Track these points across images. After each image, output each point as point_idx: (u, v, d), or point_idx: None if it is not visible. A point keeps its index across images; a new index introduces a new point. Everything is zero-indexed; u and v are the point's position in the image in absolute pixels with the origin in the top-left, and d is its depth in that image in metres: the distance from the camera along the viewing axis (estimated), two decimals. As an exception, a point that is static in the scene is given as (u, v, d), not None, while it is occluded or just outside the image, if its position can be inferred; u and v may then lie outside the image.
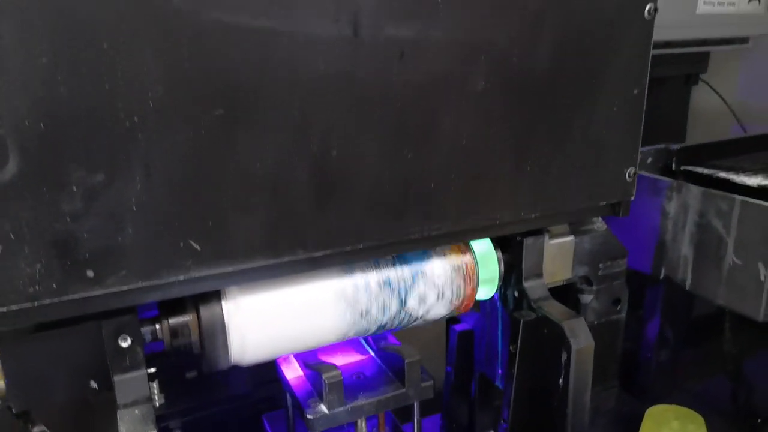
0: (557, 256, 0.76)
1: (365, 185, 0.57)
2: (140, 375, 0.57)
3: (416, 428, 0.73)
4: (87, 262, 0.48)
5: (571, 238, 0.76)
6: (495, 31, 0.58)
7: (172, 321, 0.61)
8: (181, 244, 0.51)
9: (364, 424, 0.72)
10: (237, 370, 0.96)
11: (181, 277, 0.52)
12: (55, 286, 0.47)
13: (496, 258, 0.74)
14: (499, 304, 0.79)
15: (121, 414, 0.55)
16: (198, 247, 0.51)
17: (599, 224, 0.79)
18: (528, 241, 0.73)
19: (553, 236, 0.76)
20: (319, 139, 0.54)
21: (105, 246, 0.48)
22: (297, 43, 0.51)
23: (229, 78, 0.49)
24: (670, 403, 0.97)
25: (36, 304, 0.47)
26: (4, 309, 0.46)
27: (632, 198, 0.72)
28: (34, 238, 0.46)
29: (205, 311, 0.60)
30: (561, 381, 0.69)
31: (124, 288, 0.50)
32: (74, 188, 0.46)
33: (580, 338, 0.68)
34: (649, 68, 0.68)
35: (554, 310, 0.71)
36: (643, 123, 0.70)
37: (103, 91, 0.45)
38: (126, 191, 0.48)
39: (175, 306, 0.61)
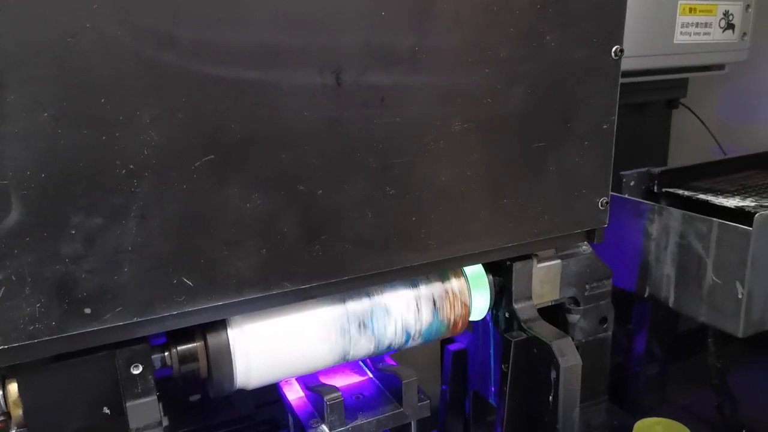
0: (545, 278, 0.80)
1: (350, 221, 0.60)
2: (151, 401, 0.60)
3: (414, 446, 0.76)
4: (85, 301, 0.51)
5: (558, 261, 0.80)
6: (470, 77, 0.63)
7: (181, 348, 0.64)
8: (175, 281, 0.54)
9: (363, 443, 0.75)
10: (239, 392, 0.98)
11: (175, 312, 0.55)
12: (54, 324, 0.50)
13: (487, 282, 0.77)
14: (491, 324, 0.82)
15: (134, 439, 0.57)
16: (191, 284, 0.54)
17: (585, 247, 0.82)
18: (517, 266, 0.76)
19: (541, 260, 0.79)
20: (306, 180, 0.57)
21: (102, 285, 0.51)
22: (283, 93, 0.54)
23: (220, 126, 0.52)
24: (659, 415, 1.01)
25: (36, 341, 0.50)
26: (6, 346, 0.49)
27: (605, 225, 0.76)
28: (35, 280, 0.49)
29: (212, 339, 0.63)
30: (551, 398, 0.73)
31: (120, 323, 0.53)
32: (73, 232, 0.49)
33: (568, 357, 0.72)
34: (617, 105, 0.72)
35: (543, 330, 0.75)
36: (613, 155, 0.74)
37: (100, 142, 0.49)
38: (122, 234, 0.51)
39: (183, 334, 0.64)
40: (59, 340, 0.51)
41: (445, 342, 0.93)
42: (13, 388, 0.58)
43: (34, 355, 0.51)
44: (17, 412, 0.58)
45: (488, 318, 0.82)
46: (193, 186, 0.53)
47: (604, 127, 0.72)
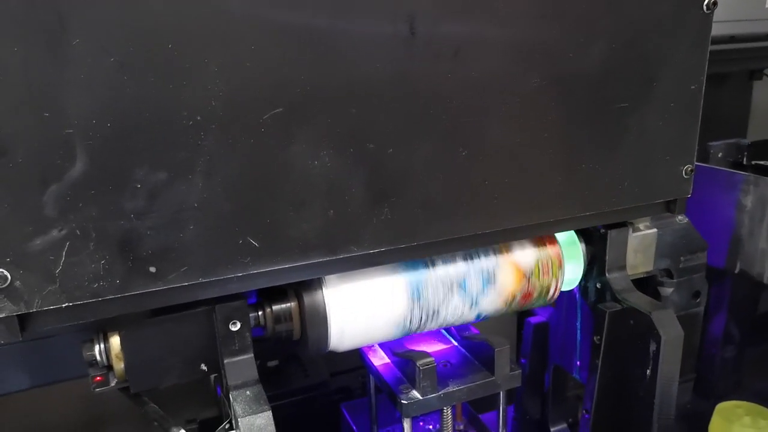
0: (640, 248, 0.76)
1: (420, 183, 0.57)
2: (249, 358, 0.59)
3: (501, 417, 0.74)
4: (149, 259, 0.49)
5: (653, 231, 0.77)
6: (550, 30, 0.59)
7: (276, 308, 0.63)
8: (240, 241, 0.52)
9: (450, 412, 0.73)
10: (312, 360, 0.98)
11: (240, 273, 0.53)
12: (118, 282, 0.48)
13: (580, 251, 0.74)
14: (578, 296, 0.79)
15: (234, 395, 0.57)
16: (256, 244, 0.52)
17: (681, 218, 0.79)
18: (612, 234, 0.73)
19: (636, 229, 0.76)
20: (375, 138, 0.54)
21: (167, 243, 0.49)
22: (353, 42, 0.51)
23: (287, 77, 0.50)
24: (737, 399, 0.97)
25: (100, 299, 0.48)
26: (70, 304, 0.47)
27: (689, 195, 0.71)
28: (99, 236, 0.47)
29: (308, 298, 0.62)
30: (648, 371, 0.70)
31: (185, 284, 0.51)
32: (138, 186, 0.47)
33: (669, 329, 0.68)
34: (707, 63, 0.67)
35: (641, 301, 0.71)
36: (700, 119, 0.69)
37: (167, 91, 0.46)
38: (187, 190, 0.49)
39: (276, 294, 0.64)
40: (123, 299, 0.49)
41: (525, 314, 0.90)
42: (115, 341, 0.58)
43: (98, 314, 0.49)
44: (119, 366, 0.58)
45: (575, 289, 0.80)
46: (260, 141, 0.50)
47: (692, 87, 0.67)
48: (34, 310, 0.46)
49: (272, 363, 0.90)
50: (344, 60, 0.52)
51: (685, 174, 0.70)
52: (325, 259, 0.56)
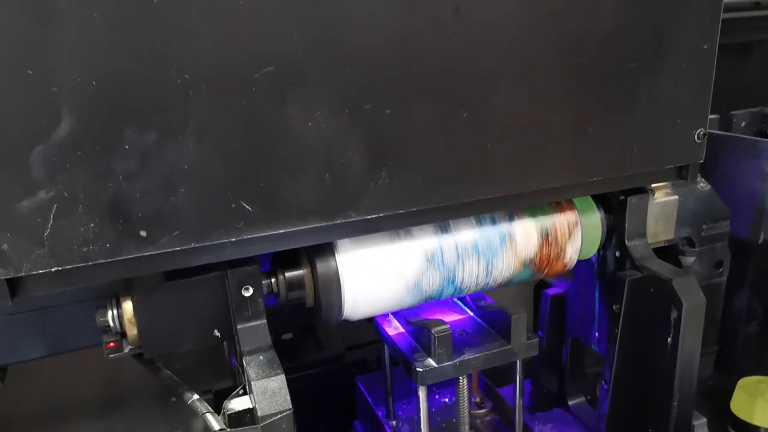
0: (660, 215, 0.75)
1: (419, 147, 0.55)
2: (261, 324, 0.59)
3: (518, 388, 0.73)
4: (140, 222, 0.48)
5: (675, 197, 0.75)
6: None
7: (288, 274, 0.62)
8: (233, 205, 0.51)
9: (465, 383, 0.72)
10: (327, 333, 0.98)
11: (234, 239, 0.51)
12: (109, 246, 0.47)
13: (598, 218, 0.73)
14: (596, 265, 0.78)
15: (247, 360, 0.56)
16: (250, 209, 0.51)
17: (703, 184, 0.77)
18: (632, 200, 0.71)
19: (657, 195, 0.74)
20: (372, 99, 0.52)
21: (158, 206, 0.48)
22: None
23: (279, 34, 0.48)
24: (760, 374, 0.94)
25: (90, 263, 0.47)
26: (60, 268, 0.46)
27: (701, 161, 0.68)
28: (88, 198, 0.46)
29: (321, 265, 0.61)
30: (670, 341, 0.68)
31: (177, 249, 0.50)
32: (126, 147, 0.46)
33: (691, 296, 0.67)
34: (720, 21, 0.64)
35: (662, 268, 0.70)
36: (713, 81, 0.65)
37: (153, 49, 0.45)
38: (178, 151, 0.48)
39: (288, 260, 0.63)
40: (114, 264, 0.48)
41: (542, 286, 0.89)
42: (128, 306, 0.57)
43: (89, 280, 0.48)
44: (132, 331, 0.58)
45: (593, 258, 0.78)
46: (252, 101, 0.49)
47: (705, 47, 0.64)
48: (23, 274, 0.45)
49: (287, 336, 0.89)
50: (338, 17, 0.50)
51: (698, 138, 0.67)
52: (322, 225, 0.54)
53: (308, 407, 0.85)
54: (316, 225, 0.54)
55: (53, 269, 0.46)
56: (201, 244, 0.51)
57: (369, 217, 0.56)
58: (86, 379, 0.99)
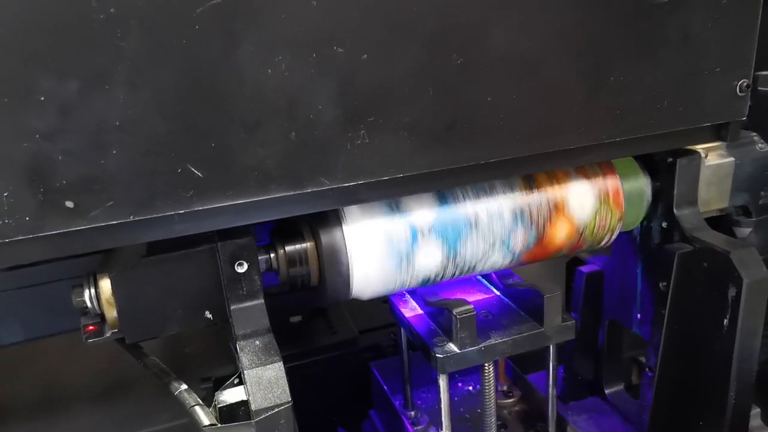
0: (713, 180, 0.66)
1: (404, 100, 0.47)
2: (258, 304, 0.52)
3: (551, 376, 0.65)
4: (65, 191, 0.41)
5: (730, 159, 0.66)
6: None
7: (289, 248, 0.55)
8: (179, 170, 0.43)
9: (492, 370, 0.64)
10: (340, 315, 0.91)
11: (182, 210, 0.44)
12: (28, 219, 0.40)
13: (642, 184, 0.64)
14: (639, 237, 0.69)
15: (241, 345, 0.49)
16: (199, 174, 0.43)
17: (761, 144, 0.67)
18: (682, 162, 0.63)
19: (709, 157, 0.65)
20: (344, 40, 0.44)
21: (85, 171, 0.41)
22: None
23: None
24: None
25: (7, 240, 0.40)
26: None
27: (744, 118, 0.58)
28: None
29: (325, 237, 0.54)
30: (726, 321, 0.60)
31: (113, 222, 0.42)
32: (42, 99, 0.38)
33: (752, 270, 0.58)
34: None
35: (717, 240, 0.61)
36: (759, 22, 0.56)
37: None
38: (106, 104, 0.40)
39: (290, 233, 0.56)
40: (36, 240, 0.41)
41: (575, 263, 0.80)
42: (105, 284, 0.51)
43: (8, 260, 0.41)
44: (111, 313, 0.51)
45: (636, 231, 0.69)
46: (196, 42, 0.40)
47: None
48: None
49: (295, 319, 0.83)
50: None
51: (740, 90, 0.57)
52: (289, 194, 0.46)
53: (319, 396, 0.79)
54: (283, 194, 0.46)
55: None
56: (142, 217, 0.43)
57: (346, 184, 0.47)
58: (87, 364, 0.94)
